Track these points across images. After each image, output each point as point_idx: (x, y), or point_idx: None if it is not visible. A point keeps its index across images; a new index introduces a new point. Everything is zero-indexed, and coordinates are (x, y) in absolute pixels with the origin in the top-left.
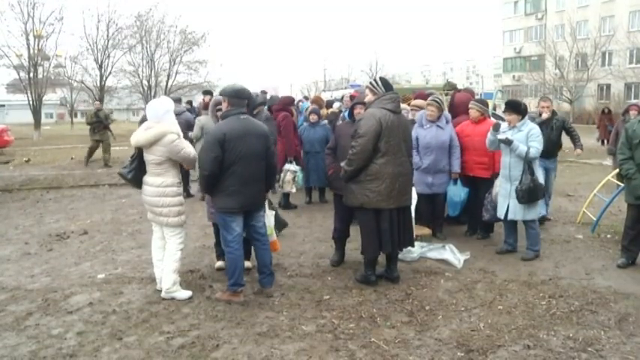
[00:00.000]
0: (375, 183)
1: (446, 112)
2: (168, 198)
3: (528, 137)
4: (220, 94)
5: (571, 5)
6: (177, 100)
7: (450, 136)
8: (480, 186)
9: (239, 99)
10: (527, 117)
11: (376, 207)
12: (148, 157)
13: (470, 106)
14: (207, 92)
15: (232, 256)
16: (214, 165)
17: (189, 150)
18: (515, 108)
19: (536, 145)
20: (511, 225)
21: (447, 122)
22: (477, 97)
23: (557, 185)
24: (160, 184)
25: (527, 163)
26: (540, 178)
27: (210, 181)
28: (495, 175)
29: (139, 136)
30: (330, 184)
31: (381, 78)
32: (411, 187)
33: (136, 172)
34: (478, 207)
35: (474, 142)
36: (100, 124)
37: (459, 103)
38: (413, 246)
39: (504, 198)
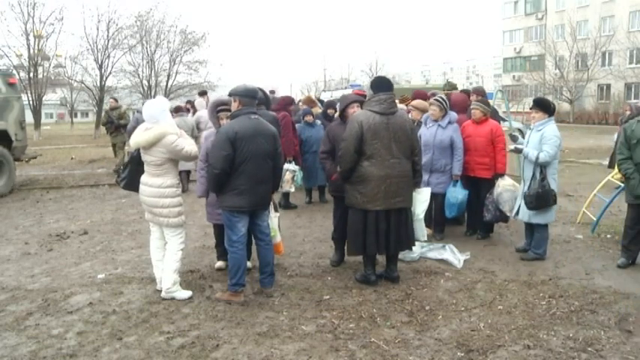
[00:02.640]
0: (362, 185)
1: (452, 112)
2: (168, 199)
3: (541, 139)
4: (230, 94)
5: (571, 5)
6: None
7: (450, 137)
8: (481, 186)
9: (250, 99)
10: (551, 118)
11: (363, 208)
12: (147, 158)
13: (473, 106)
14: (203, 93)
15: (236, 256)
16: (225, 163)
17: (190, 149)
18: (545, 107)
19: (547, 149)
20: (529, 225)
21: (450, 122)
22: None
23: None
24: (159, 184)
25: (540, 167)
26: (552, 184)
27: (220, 180)
28: (496, 175)
29: (139, 138)
30: (330, 186)
31: (376, 77)
32: (408, 188)
33: (128, 180)
34: (479, 207)
35: (476, 143)
36: (111, 124)
37: (454, 103)
38: (410, 249)
39: (520, 197)
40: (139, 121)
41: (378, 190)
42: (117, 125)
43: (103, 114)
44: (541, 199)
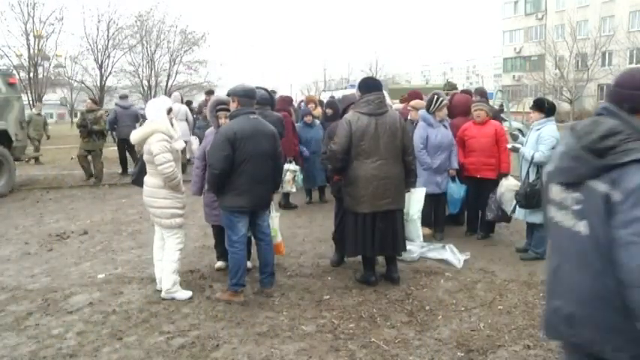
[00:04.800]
0: (350, 187)
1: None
2: (159, 199)
3: (538, 139)
4: (229, 94)
5: (571, 5)
6: (125, 97)
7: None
8: (484, 186)
9: (249, 99)
10: (550, 118)
11: (353, 210)
12: (144, 156)
13: (477, 107)
14: (210, 92)
15: (236, 257)
16: (225, 163)
17: (165, 162)
18: (539, 105)
19: (542, 149)
20: (530, 225)
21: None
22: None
23: None
24: (152, 184)
25: (537, 167)
26: None
27: (220, 180)
28: (501, 174)
29: (132, 135)
30: (332, 186)
31: (363, 79)
32: (397, 189)
33: (137, 176)
34: (480, 207)
35: (481, 144)
36: (84, 128)
37: (457, 104)
38: (399, 254)
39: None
40: (117, 114)
41: (364, 192)
42: (89, 131)
43: (78, 115)
44: (529, 198)
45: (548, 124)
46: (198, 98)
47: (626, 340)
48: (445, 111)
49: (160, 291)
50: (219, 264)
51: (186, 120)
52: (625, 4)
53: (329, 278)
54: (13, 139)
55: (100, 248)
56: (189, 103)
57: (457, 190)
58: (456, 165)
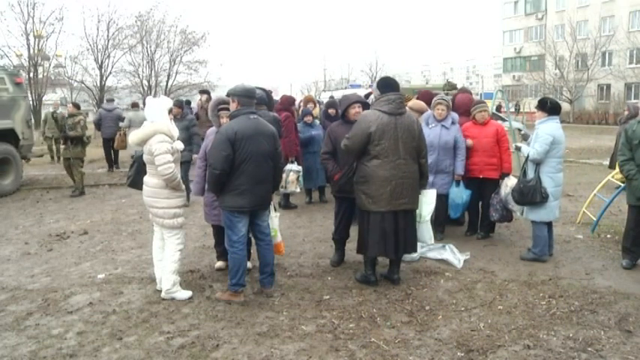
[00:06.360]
0: (366, 185)
1: (453, 113)
2: (161, 199)
3: (535, 137)
4: (229, 94)
5: (571, 5)
6: (111, 101)
7: (454, 137)
8: (485, 187)
9: (249, 99)
10: (552, 117)
11: (367, 209)
12: (144, 156)
13: (479, 108)
14: (204, 92)
15: (236, 257)
16: (225, 163)
17: (166, 163)
18: (542, 105)
19: (536, 147)
20: None
21: (454, 123)
22: (474, 97)
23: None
24: (154, 184)
25: (535, 164)
26: (547, 182)
27: (220, 180)
28: (503, 175)
29: (131, 136)
30: (332, 186)
31: (382, 78)
32: (413, 190)
33: (133, 179)
34: (482, 207)
35: (482, 144)
36: (63, 134)
37: (459, 104)
38: (416, 251)
39: None
40: (101, 116)
41: (383, 191)
42: (65, 136)
43: (60, 120)
44: (522, 194)
45: (547, 122)
46: (197, 98)
47: None
48: (440, 110)
49: (160, 291)
50: (219, 264)
51: None
52: (625, 4)
53: (329, 278)
54: (20, 137)
55: (100, 248)
56: (188, 103)
57: (460, 195)
58: (460, 171)
